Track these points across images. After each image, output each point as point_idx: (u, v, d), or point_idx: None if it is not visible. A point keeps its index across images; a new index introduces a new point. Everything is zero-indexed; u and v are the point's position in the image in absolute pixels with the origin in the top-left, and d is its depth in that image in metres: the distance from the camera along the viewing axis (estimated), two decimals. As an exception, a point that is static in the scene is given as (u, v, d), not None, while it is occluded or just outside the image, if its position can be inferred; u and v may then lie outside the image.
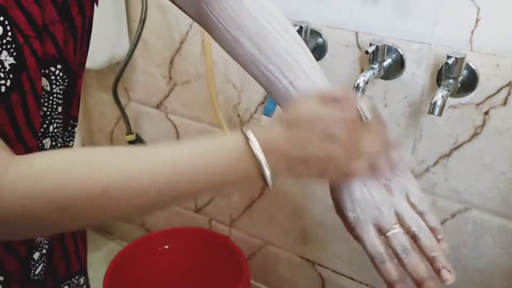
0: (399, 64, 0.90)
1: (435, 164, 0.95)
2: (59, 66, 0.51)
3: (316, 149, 0.42)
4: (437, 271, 0.47)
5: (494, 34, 0.80)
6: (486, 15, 0.79)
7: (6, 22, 0.42)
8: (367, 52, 0.86)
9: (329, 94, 0.45)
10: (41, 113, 0.50)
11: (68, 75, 0.53)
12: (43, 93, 0.50)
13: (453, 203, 0.96)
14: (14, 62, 0.43)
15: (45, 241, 0.58)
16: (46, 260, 0.59)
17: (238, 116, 1.18)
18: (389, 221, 0.48)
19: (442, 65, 0.83)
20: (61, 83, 0.52)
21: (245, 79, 1.12)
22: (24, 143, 0.48)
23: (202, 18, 0.58)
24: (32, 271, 0.57)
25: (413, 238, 0.48)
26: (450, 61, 0.79)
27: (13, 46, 0.42)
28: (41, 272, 0.58)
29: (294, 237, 1.26)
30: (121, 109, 1.36)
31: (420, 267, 0.47)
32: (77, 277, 0.67)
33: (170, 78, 1.26)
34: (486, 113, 0.85)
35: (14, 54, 0.43)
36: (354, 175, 0.46)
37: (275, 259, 1.34)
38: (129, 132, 1.41)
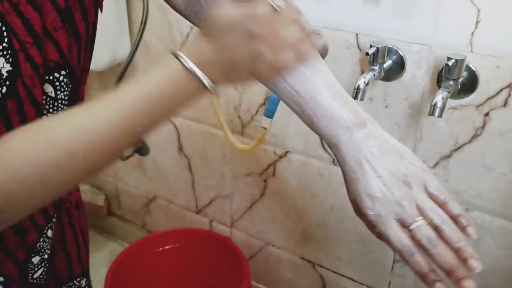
0: (399, 66, 0.90)
1: (435, 165, 0.95)
2: (63, 72, 0.51)
3: (241, 51, 0.44)
4: (464, 261, 0.47)
5: (494, 35, 0.80)
6: (486, 17, 0.79)
7: (3, 28, 0.42)
8: (367, 53, 0.86)
9: None
10: None
11: (72, 80, 0.53)
12: (47, 99, 0.50)
13: (453, 204, 0.96)
14: (11, 69, 0.43)
15: (48, 246, 0.58)
16: (47, 265, 0.59)
17: (239, 117, 1.18)
18: (411, 215, 0.48)
19: (443, 67, 0.83)
20: (66, 89, 0.52)
21: (246, 81, 1.12)
22: None
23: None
24: (31, 275, 0.57)
25: (436, 230, 0.48)
26: (450, 63, 0.79)
27: (9, 52, 0.43)
28: (41, 276, 0.58)
29: (295, 238, 1.26)
30: (122, 110, 1.36)
31: (448, 256, 0.47)
32: (78, 279, 0.67)
33: (171, 79, 1.26)
34: (487, 114, 0.86)
35: (10, 60, 0.43)
36: (285, 68, 0.47)
37: (276, 260, 1.34)
38: (130, 133, 1.41)
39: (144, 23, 1.15)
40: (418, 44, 0.87)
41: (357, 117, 0.50)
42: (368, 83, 0.85)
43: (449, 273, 0.47)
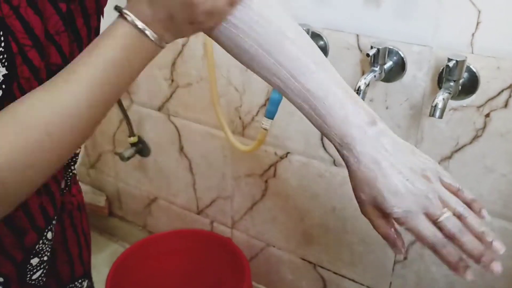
0: (400, 67, 0.90)
1: (436, 166, 0.95)
2: None
3: (174, 3, 0.44)
4: (489, 244, 0.48)
5: (495, 36, 0.80)
6: (487, 18, 0.79)
7: (1, 32, 0.42)
8: (368, 54, 0.86)
9: None
10: None
11: None
12: None
13: (454, 205, 0.96)
14: (6, 72, 0.43)
15: (47, 248, 0.58)
16: (46, 267, 0.59)
17: (240, 118, 1.18)
18: (439, 207, 0.49)
19: (443, 68, 0.84)
20: None
21: (247, 82, 1.12)
22: None
23: None
24: (29, 276, 0.57)
25: (459, 218, 0.49)
26: (451, 64, 0.79)
27: (5, 56, 0.43)
28: (40, 278, 0.58)
29: (295, 239, 1.26)
30: (124, 112, 1.37)
31: (476, 242, 0.48)
32: (80, 281, 0.67)
33: (172, 80, 1.26)
34: (487, 115, 0.86)
35: (6, 64, 0.43)
36: (223, 14, 0.48)
37: (277, 261, 1.34)
38: (132, 134, 1.41)
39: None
40: (419, 45, 0.87)
41: (369, 116, 0.50)
42: (368, 84, 0.85)
43: (477, 258, 0.48)
